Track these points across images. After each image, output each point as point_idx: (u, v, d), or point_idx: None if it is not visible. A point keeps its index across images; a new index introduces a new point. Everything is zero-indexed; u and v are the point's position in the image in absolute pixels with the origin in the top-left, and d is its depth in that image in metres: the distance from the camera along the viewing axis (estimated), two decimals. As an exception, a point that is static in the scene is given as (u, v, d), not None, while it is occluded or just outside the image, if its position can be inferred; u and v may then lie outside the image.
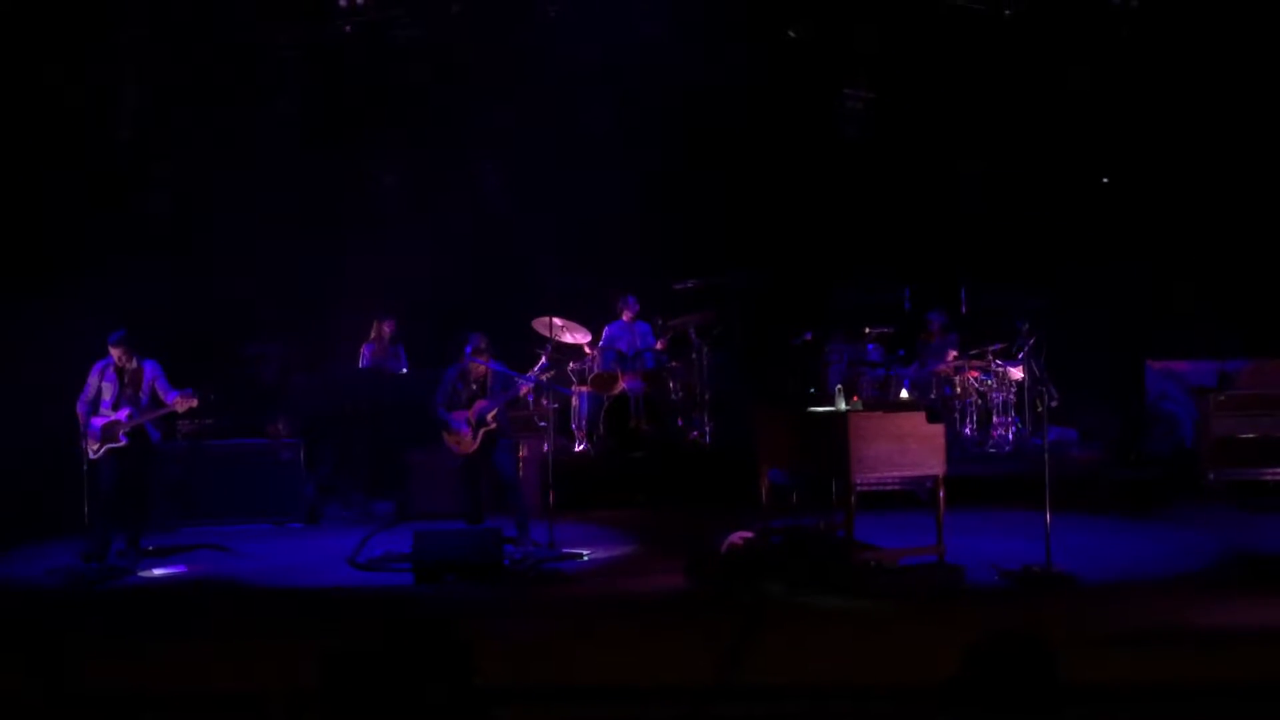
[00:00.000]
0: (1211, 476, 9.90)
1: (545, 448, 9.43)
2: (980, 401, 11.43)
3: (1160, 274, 11.67)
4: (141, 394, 8.40)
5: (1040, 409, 7.66)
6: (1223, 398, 10.04)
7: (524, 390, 9.56)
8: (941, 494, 7.14)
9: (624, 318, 11.85)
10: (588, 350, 11.65)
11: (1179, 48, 11.01)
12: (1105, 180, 12.45)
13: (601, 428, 11.13)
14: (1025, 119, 11.87)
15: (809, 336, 11.48)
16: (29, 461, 9.59)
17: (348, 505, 10.49)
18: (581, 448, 11.29)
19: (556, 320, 11.45)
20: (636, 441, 11.07)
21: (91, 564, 8.18)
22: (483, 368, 8.58)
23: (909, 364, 11.60)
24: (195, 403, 8.41)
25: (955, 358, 11.41)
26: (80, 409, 8.38)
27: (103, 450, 8.32)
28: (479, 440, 8.51)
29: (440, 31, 11.30)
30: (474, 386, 8.62)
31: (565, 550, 8.28)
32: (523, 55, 11.65)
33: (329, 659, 4.35)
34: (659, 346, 11.56)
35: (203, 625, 6.86)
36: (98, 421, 8.32)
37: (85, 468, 8.43)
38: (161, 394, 8.42)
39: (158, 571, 8.24)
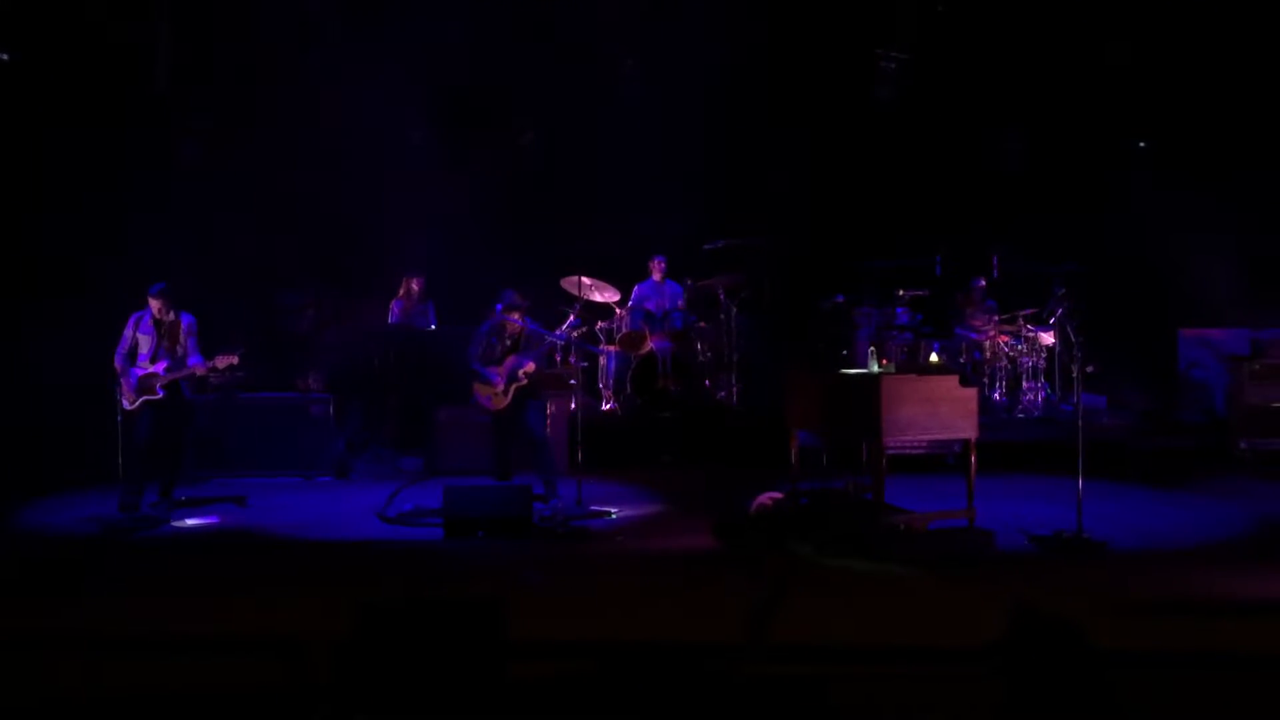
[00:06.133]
0: (1243, 445, 9.83)
1: (573, 406, 9.45)
2: (1010, 366, 11.38)
3: (1195, 241, 11.53)
4: (179, 347, 8.46)
5: (1076, 374, 7.58)
6: (1256, 366, 9.94)
7: (555, 348, 9.59)
8: (973, 458, 7.11)
9: (654, 277, 11.85)
10: (617, 310, 11.64)
11: (1224, 14, 10.83)
12: (1141, 145, 12.30)
13: (629, 387, 11.15)
14: (1061, 82, 11.72)
15: (840, 299, 11.44)
16: (65, 411, 9.70)
17: (376, 460, 10.57)
18: (609, 407, 11.32)
19: (585, 279, 11.41)
20: (664, 401, 11.09)
21: (126, 514, 8.28)
22: (518, 324, 8.57)
23: (940, 328, 11.54)
24: (235, 360, 8.47)
25: (998, 322, 11.36)
26: (117, 362, 8.44)
27: (139, 402, 8.39)
28: (510, 396, 8.52)
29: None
30: (508, 342, 8.61)
31: (593, 508, 8.31)
32: (558, 13, 11.56)
33: (365, 610, 4.41)
34: (690, 283, 11.54)
35: (237, 574, 6.93)
36: (136, 372, 8.39)
37: (120, 419, 8.51)
38: (190, 351, 8.47)
39: (191, 522, 8.33)
